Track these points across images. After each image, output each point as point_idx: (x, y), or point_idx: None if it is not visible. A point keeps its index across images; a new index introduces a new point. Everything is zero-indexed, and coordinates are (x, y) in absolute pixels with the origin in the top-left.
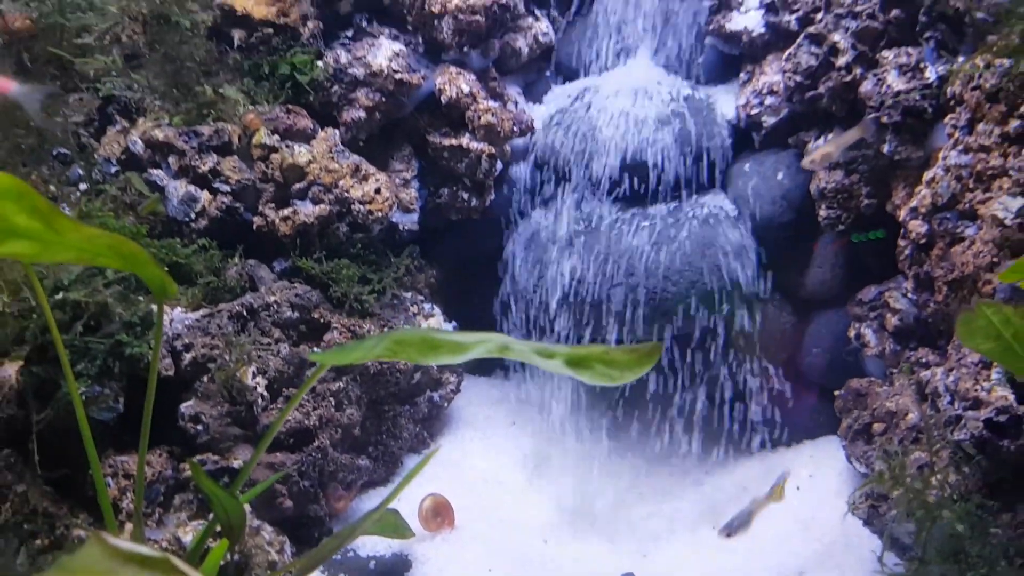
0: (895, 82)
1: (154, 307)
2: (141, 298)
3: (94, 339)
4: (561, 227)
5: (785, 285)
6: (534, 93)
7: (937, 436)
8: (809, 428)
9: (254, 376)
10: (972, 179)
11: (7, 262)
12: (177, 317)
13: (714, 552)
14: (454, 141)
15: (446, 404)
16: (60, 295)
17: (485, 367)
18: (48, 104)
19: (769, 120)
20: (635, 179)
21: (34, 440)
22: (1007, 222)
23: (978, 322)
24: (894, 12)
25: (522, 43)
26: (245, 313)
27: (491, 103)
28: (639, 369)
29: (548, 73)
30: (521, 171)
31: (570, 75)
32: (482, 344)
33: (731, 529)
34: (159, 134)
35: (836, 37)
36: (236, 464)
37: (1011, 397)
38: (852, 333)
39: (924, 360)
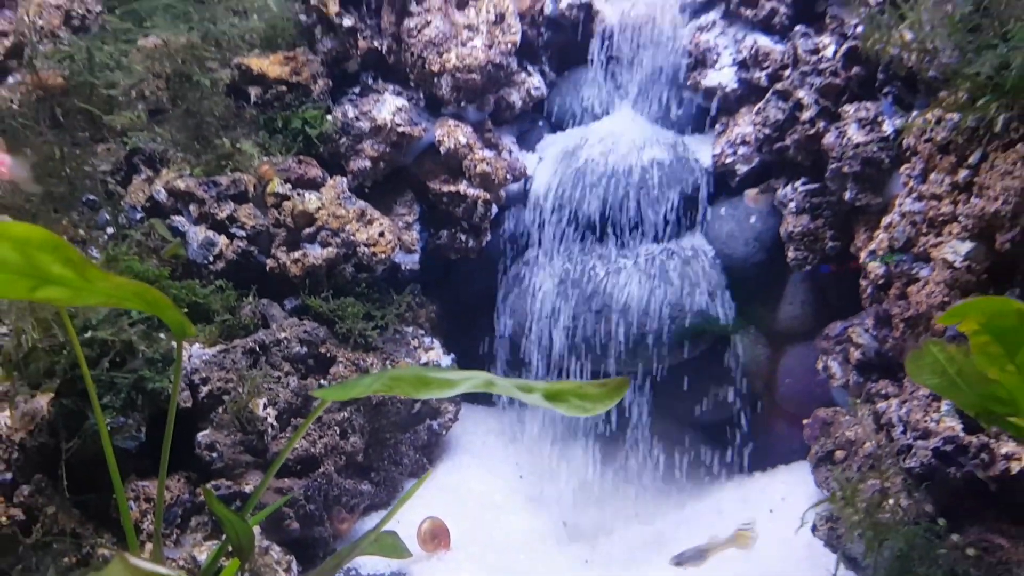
0: (855, 135)
1: (174, 344)
2: (163, 335)
3: (119, 374)
4: (552, 266)
5: (759, 320)
6: (527, 141)
7: (890, 463)
8: (783, 454)
9: (265, 407)
10: (925, 224)
11: (40, 303)
12: (195, 353)
13: (692, 570)
14: (452, 188)
15: (445, 432)
16: (89, 333)
17: (482, 396)
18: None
19: (742, 168)
20: (619, 221)
21: (63, 467)
22: (956, 264)
23: (925, 359)
24: (855, 69)
25: (516, 96)
26: (257, 349)
27: (486, 153)
28: (609, 401)
29: (540, 123)
30: (515, 213)
31: (561, 124)
32: (469, 380)
33: (681, 559)
34: (181, 184)
35: (801, 93)
36: (247, 489)
37: (958, 427)
38: (820, 365)
39: (884, 392)
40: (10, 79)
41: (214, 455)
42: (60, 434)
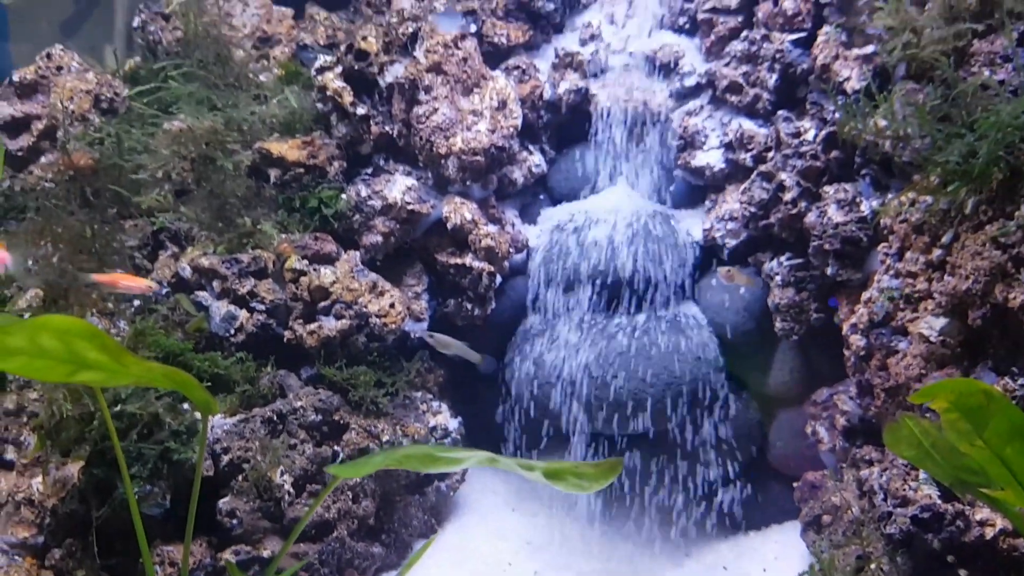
0: (835, 215)
1: (197, 415)
2: (186, 406)
3: (147, 445)
4: (553, 332)
5: (750, 385)
6: (529, 214)
7: (872, 529)
8: (775, 514)
9: (282, 475)
10: (902, 300)
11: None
12: (217, 423)
13: None
14: (459, 260)
15: (452, 492)
16: (119, 407)
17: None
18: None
19: (730, 242)
20: (616, 290)
21: (94, 533)
22: (932, 339)
23: (902, 432)
24: (834, 153)
25: (518, 174)
26: (275, 418)
27: (491, 228)
28: (604, 481)
29: (541, 196)
30: (518, 282)
31: (560, 199)
32: (473, 458)
33: None
34: (205, 262)
35: (784, 176)
36: (265, 554)
37: (935, 496)
38: (809, 429)
39: (868, 457)
40: (43, 159)
41: (234, 521)
42: (90, 502)
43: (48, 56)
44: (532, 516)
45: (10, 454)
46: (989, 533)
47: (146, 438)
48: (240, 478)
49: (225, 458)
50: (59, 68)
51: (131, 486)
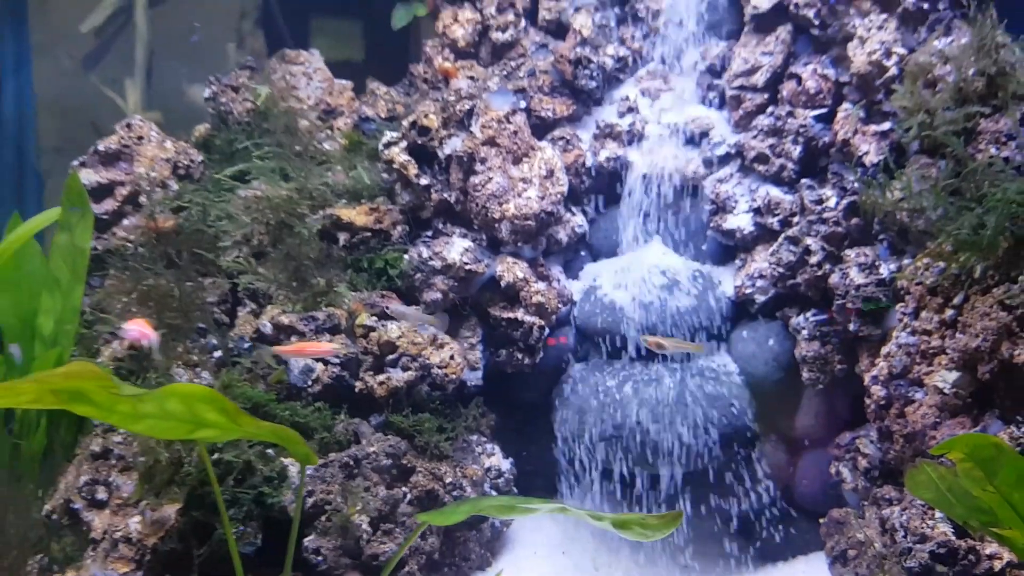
0: (856, 276)
1: (285, 461)
2: (271, 451)
3: (241, 490)
4: (594, 379)
5: (779, 429)
6: (572, 269)
7: (894, 563)
8: (802, 547)
9: (359, 515)
10: (919, 355)
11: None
12: (293, 469)
13: None
14: (511, 314)
15: (505, 529)
16: (216, 455)
17: (538, 493)
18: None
19: (760, 298)
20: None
21: (196, 570)
22: (945, 391)
23: (921, 477)
24: (854, 220)
25: (563, 234)
26: (351, 462)
27: (540, 285)
28: (666, 530)
29: (583, 252)
30: (564, 334)
31: (600, 255)
32: (546, 507)
33: None
34: (284, 319)
35: (809, 240)
36: None
37: (950, 532)
38: (833, 470)
39: (887, 496)
40: (125, 222)
41: (319, 558)
42: (190, 541)
43: (128, 126)
44: (580, 548)
45: (101, 494)
46: (997, 566)
47: (240, 483)
48: (323, 518)
49: (309, 500)
50: (140, 138)
51: (230, 527)
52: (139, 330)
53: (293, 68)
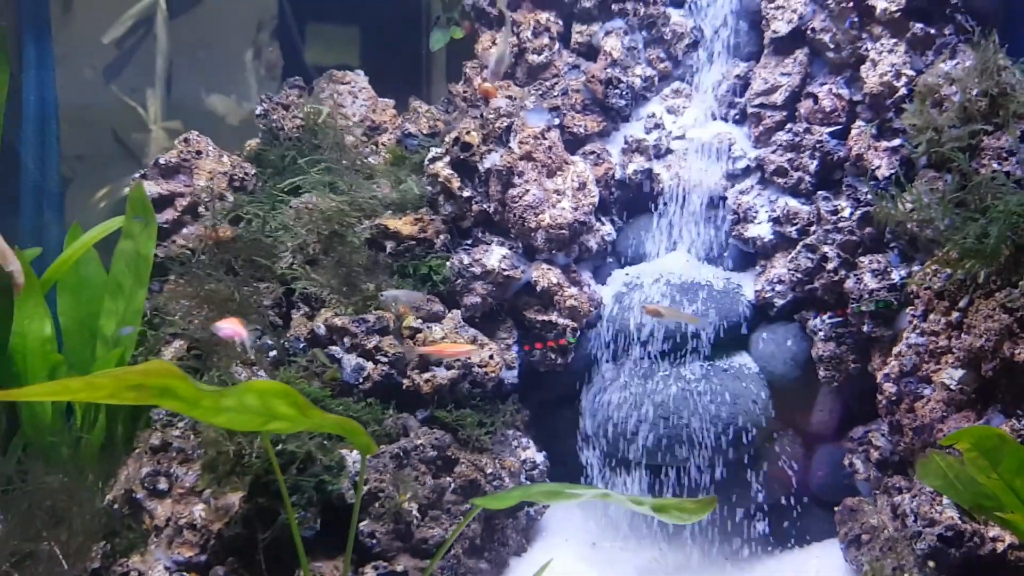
0: (870, 281)
1: (342, 451)
2: (326, 443)
3: (303, 478)
4: (623, 378)
5: (796, 424)
6: (600, 275)
7: (905, 545)
8: (817, 533)
9: (409, 502)
10: (927, 355)
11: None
12: (355, 458)
13: None
14: (545, 317)
15: (539, 517)
16: (279, 446)
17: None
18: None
19: (779, 302)
20: (678, 343)
21: (261, 553)
22: (952, 387)
23: (930, 466)
24: (867, 229)
25: (593, 242)
26: (401, 454)
27: (573, 290)
28: (702, 513)
29: (610, 259)
30: (592, 335)
31: (627, 262)
32: (590, 492)
33: None
34: (338, 321)
35: (825, 248)
36: (399, 568)
37: (956, 517)
38: (846, 462)
39: (898, 486)
40: (184, 231)
41: (373, 541)
42: (255, 525)
43: (186, 141)
44: (609, 535)
45: (162, 484)
46: (1000, 547)
47: (302, 472)
48: (376, 505)
49: (364, 488)
50: (198, 152)
51: (293, 513)
52: (232, 328)
53: (340, 87)
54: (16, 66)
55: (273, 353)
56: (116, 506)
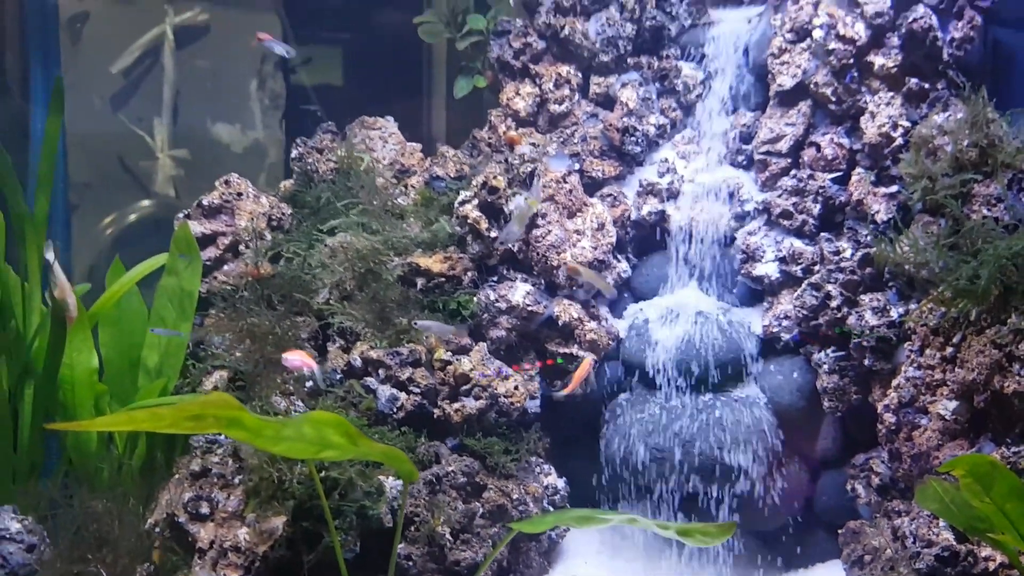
0: (870, 318)
1: (380, 478)
2: (366, 469)
3: (345, 503)
4: (639, 407)
5: (801, 452)
6: (616, 310)
7: (905, 565)
8: (821, 555)
9: (442, 526)
10: (924, 387)
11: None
12: (392, 484)
13: None
14: (567, 349)
15: (560, 540)
16: (323, 473)
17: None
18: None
19: (785, 336)
20: (691, 374)
21: (307, 573)
22: (947, 417)
23: (928, 491)
24: (867, 269)
25: (610, 278)
26: (433, 480)
27: (592, 324)
28: (723, 537)
29: (626, 295)
30: (609, 367)
31: (641, 297)
32: (618, 517)
33: None
34: (373, 354)
35: (829, 287)
36: None
37: (952, 539)
38: (849, 487)
39: (897, 509)
40: (225, 267)
41: (410, 563)
42: (299, 548)
43: (227, 183)
44: (625, 555)
45: (204, 508)
46: (992, 566)
47: (343, 497)
48: (412, 528)
49: (400, 513)
50: (239, 194)
51: (336, 536)
52: (301, 360)
53: (371, 132)
54: (24, 94)
55: (309, 384)
56: (158, 529)
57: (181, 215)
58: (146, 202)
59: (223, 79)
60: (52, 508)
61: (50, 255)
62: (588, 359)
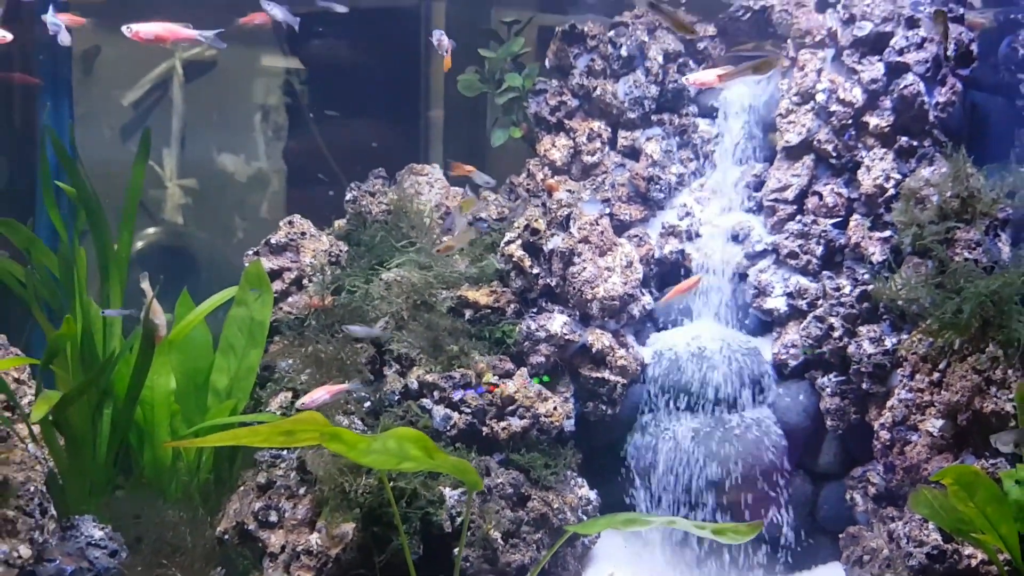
0: (868, 347)
1: (441, 489)
2: (429, 481)
3: (410, 510)
4: (662, 427)
5: (806, 466)
6: (640, 338)
7: (899, 563)
8: (824, 558)
9: (494, 531)
10: (914, 407)
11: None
12: (450, 495)
13: None
14: (599, 374)
15: (592, 545)
16: (391, 483)
17: None
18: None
19: (792, 363)
20: (708, 397)
21: (379, 573)
22: (934, 434)
23: (920, 498)
24: (865, 304)
25: (636, 310)
26: (486, 491)
27: (622, 351)
28: (752, 534)
29: (648, 324)
30: (635, 390)
31: (662, 327)
32: (661, 519)
33: None
34: (429, 378)
35: (832, 320)
36: None
37: (940, 539)
38: (847, 496)
39: (891, 515)
40: (290, 299)
41: (467, 564)
42: (368, 551)
43: (291, 223)
44: (648, 556)
45: (272, 517)
46: (974, 563)
47: (410, 505)
48: (468, 533)
49: (458, 519)
50: (302, 233)
51: (405, 539)
52: (325, 391)
53: (419, 178)
54: (37, 124)
55: (368, 404)
56: (227, 537)
57: (250, 252)
58: (152, 229)
59: (229, 111)
60: (127, 519)
61: (145, 284)
62: (698, 276)
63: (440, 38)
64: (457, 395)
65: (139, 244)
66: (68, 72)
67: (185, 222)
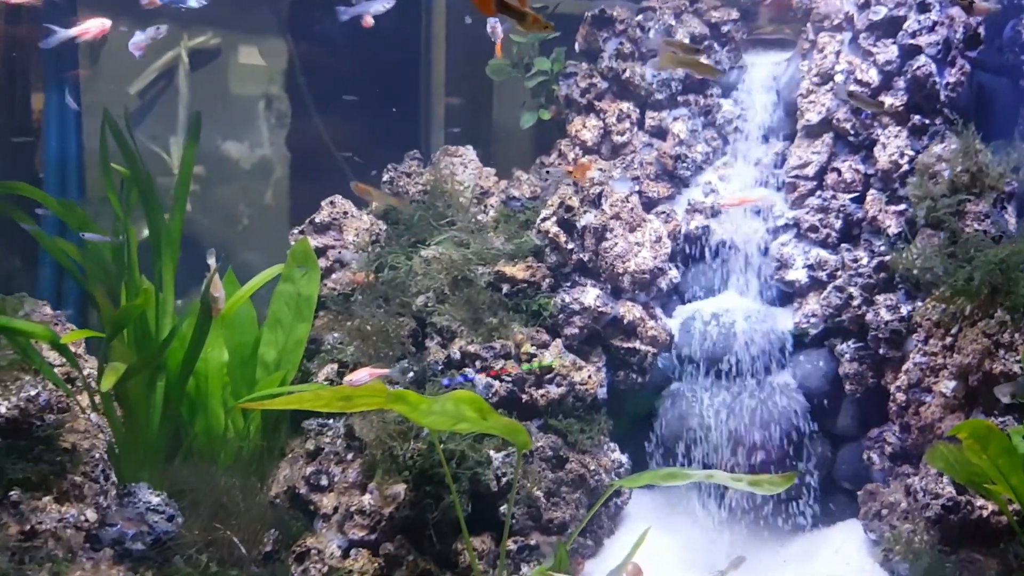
0: (885, 315)
1: (488, 451)
2: (476, 444)
3: (460, 470)
4: (690, 393)
5: (825, 428)
6: (667, 310)
7: (917, 515)
8: (841, 515)
9: (537, 490)
10: (928, 370)
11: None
12: (495, 456)
13: None
14: (630, 344)
15: (624, 506)
16: (441, 445)
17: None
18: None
19: (813, 331)
20: (734, 364)
21: (431, 528)
22: (947, 395)
23: (936, 452)
24: (882, 274)
25: (663, 283)
26: (528, 453)
27: (652, 323)
28: (786, 485)
29: (675, 297)
30: (663, 358)
31: (688, 300)
32: (700, 474)
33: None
34: (471, 348)
35: (852, 289)
36: (532, 542)
37: (954, 491)
38: (865, 456)
39: (906, 472)
40: (333, 275)
41: (513, 521)
42: (421, 509)
43: (332, 203)
44: (678, 519)
45: (323, 481)
46: (985, 513)
47: (459, 466)
48: (513, 492)
49: (503, 480)
50: (345, 212)
51: (457, 496)
52: (368, 372)
53: (454, 159)
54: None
55: (411, 375)
56: (279, 501)
57: (296, 231)
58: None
59: (233, 100)
60: (182, 486)
61: (212, 260)
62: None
63: (494, 26)
64: (498, 364)
65: (146, 232)
66: (75, 60)
67: (191, 209)
